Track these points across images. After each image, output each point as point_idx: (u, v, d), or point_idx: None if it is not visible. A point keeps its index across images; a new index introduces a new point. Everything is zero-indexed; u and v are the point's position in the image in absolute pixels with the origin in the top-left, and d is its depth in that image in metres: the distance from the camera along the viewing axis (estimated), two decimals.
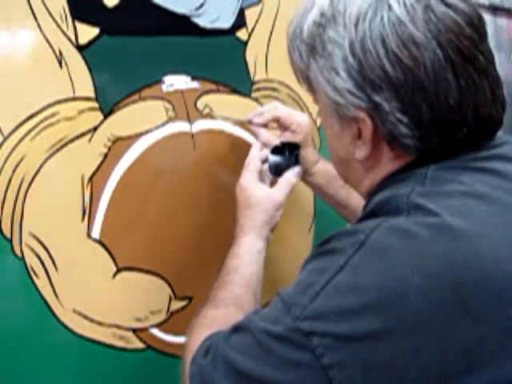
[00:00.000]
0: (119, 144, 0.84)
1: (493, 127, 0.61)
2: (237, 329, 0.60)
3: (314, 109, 1.08)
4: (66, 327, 0.79)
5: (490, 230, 0.54)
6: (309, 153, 0.91)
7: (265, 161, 0.86)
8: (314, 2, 0.63)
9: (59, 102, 0.79)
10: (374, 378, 0.51)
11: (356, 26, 0.57)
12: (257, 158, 0.86)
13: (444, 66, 0.56)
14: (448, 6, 0.57)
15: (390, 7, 0.56)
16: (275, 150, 0.84)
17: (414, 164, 0.60)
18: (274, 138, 0.89)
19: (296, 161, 0.83)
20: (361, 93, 0.58)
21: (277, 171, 0.82)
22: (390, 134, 0.59)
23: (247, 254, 0.79)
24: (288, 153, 0.82)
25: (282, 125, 0.91)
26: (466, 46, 0.57)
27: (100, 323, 0.82)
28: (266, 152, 0.86)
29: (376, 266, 0.53)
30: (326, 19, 0.60)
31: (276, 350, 0.54)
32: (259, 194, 0.81)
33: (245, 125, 0.96)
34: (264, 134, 0.89)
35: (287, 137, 0.89)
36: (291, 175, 0.84)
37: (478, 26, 0.58)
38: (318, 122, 1.10)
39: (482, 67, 0.58)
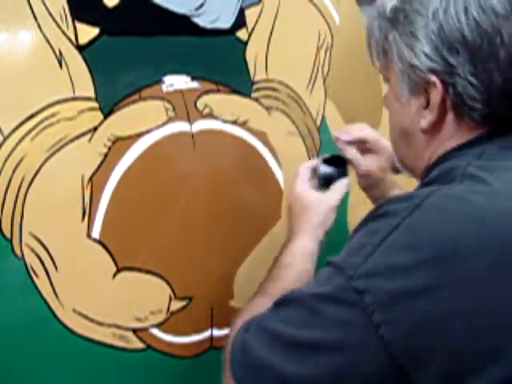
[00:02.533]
0: (119, 144, 0.84)
1: None
2: (281, 303, 0.61)
3: (313, 109, 1.08)
4: (66, 327, 0.79)
5: None
6: (388, 182, 0.91)
7: (314, 171, 0.87)
8: None
9: (59, 102, 0.79)
10: (424, 336, 0.52)
11: None
12: (306, 168, 0.87)
13: None
14: None
15: None
16: (325, 162, 0.86)
17: (474, 140, 0.63)
18: (360, 156, 0.90)
19: (345, 174, 0.85)
20: (437, 56, 0.61)
21: (325, 182, 0.84)
22: (458, 96, 0.61)
23: (300, 254, 0.80)
24: (338, 166, 0.83)
25: (367, 147, 0.91)
26: None
27: (100, 323, 0.82)
28: (316, 162, 0.88)
29: (430, 225, 0.55)
30: None
31: (325, 310, 0.55)
32: (313, 197, 0.83)
33: (245, 125, 0.96)
34: (350, 151, 0.90)
35: (373, 159, 0.90)
36: (342, 184, 0.86)
37: None
38: (318, 122, 1.10)
39: None
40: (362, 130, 0.92)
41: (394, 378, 0.53)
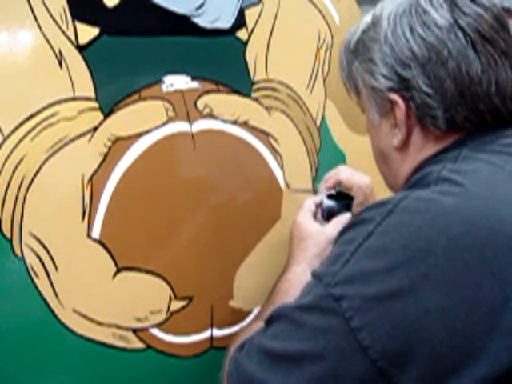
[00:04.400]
0: (119, 144, 0.84)
1: None
2: (270, 320, 0.62)
3: (313, 109, 1.08)
4: (66, 327, 0.79)
5: None
6: None
7: (318, 205, 0.90)
8: (362, 20, 0.73)
9: (59, 101, 0.79)
10: (402, 339, 0.52)
11: (388, 20, 0.67)
12: (311, 201, 0.90)
13: (465, 45, 0.63)
14: (472, 1, 0.65)
15: (417, 3, 0.66)
16: (330, 198, 0.90)
17: (450, 146, 0.66)
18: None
19: (348, 209, 0.88)
20: (392, 74, 0.66)
21: (328, 215, 0.87)
22: (419, 109, 0.65)
23: (297, 280, 0.81)
24: (341, 200, 0.86)
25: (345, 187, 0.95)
26: (486, 30, 0.63)
27: (100, 323, 0.82)
28: (321, 197, 0.91)
29: (403, 229, 0.56)
30: (368, 26, 0.71)
31: (306, 320, 0.57)
32: (312, 229, 0.85)
33: (245, 125, 0.96)
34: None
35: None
36: (343, 218, 0.87)
37: (499, 17, 0.65)
38: (318, 122, 1.10)
39: (502, 49, 0.64)
40: (336, 173, 0.95)
41: (377, 382, 0.53)
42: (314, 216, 0.89)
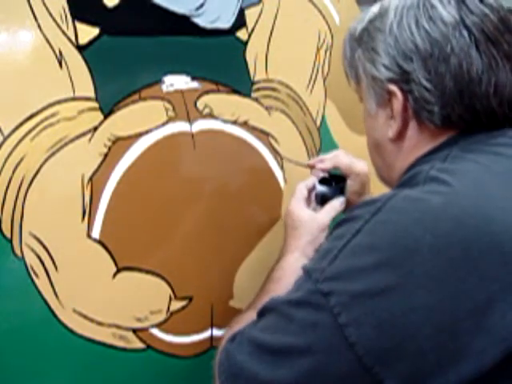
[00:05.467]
0: (119, 144, 0.84)
1: None
2: (262, 312, 0.63)
3: (313, 109, 1.08)
4: (66, 327, 0.79)
5: (502, 201, 0.57)
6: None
7: (311, 190, 0.89)
8: (370, 10, 0.74)
9: (59, 101, 0.79)
10: (388, 335, 0.53)
11: (395, 11, 0.68)
12: (303, 186, 0.89)
13: (468, 44, 0.63)
14: (480, 1, 0.65)
15: None
16: (323, 181, 0.88)
17: (440, 146, 0.66)
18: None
19: (341, 192, 0.87)
20: (394, 65, 0.67)
21: (322, 201, 0.85)
22: (417, 102, 0.66)
23: (290, 268, 0.82)
24: (334, 184, 0.84)
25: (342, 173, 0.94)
26: (491, 31, 0.64)
27: (100, 323, 0.82)
28: (313, 181, 0.89)
29: (390, 227, 0.57)
30: (375, 16, 0.71)
31: (296, 315, 0.57)
32: (305, 217, 0.85)
33: (245, 125, 0.96)
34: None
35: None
36: (337, 203, 0.88)
37: (505, 19, 0.66)
38: (318, 122, 1.10)
39: (505, 52, 0.64)
40: (335, 156, 0.95)
41: (364, 378, 0.54)
42: (307, 201, 0.89)
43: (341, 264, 0.57)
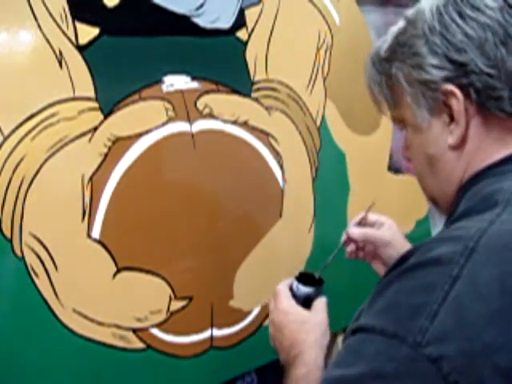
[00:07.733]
0: (119, 144, 0.84)
1: None
2: None
3: (313, 109, 1.08)
4: (66, 327, 0.79)
5: None
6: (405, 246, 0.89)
7: (290, 289, 0.84)
8: (390, 30, 0.70)
9: (59, 101, 0.79)
10: None
11: (431, 12, 0.64)
12: (286, 285, 0.83)
13: None
14: None
15: None
16: (300, 281, 0.85)
17: (508, 158, 0.61)
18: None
19: (321, 292, 0.84)
20: (446, 62, 0.62)
21: (304, 302, 0.83)
22: (481, 93, 0.61)
23: (314, 363, 0.75)
24: (315, 285, 0.83)
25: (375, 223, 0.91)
26: None
27: (100, 323, 0.82)
28: (292, 281, 0.85)
29: (494, 270, 0.50)
30: (403, 28, 0.67)
31: None
32: (304, 312, 0.80)
33: (245, 125, 0.96)
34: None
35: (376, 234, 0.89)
36: (323, 304, 0.81)
37: None
38: (318, 122, 1.10)
39: None
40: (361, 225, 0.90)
41: None
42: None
43: (447, 320, 0.49)
